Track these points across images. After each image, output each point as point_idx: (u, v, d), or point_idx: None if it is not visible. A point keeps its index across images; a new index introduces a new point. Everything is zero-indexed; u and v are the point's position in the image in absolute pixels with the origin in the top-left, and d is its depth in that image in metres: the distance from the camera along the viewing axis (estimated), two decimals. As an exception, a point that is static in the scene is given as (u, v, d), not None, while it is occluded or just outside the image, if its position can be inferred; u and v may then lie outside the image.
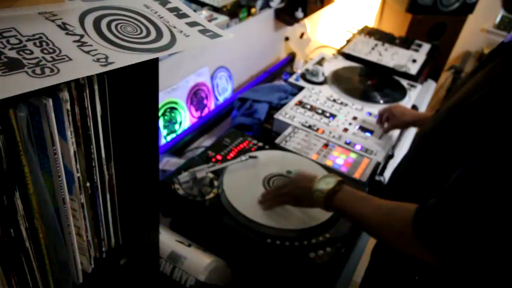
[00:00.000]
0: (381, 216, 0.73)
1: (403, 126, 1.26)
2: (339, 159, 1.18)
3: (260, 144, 1.17)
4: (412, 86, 1.63)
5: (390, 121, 1.28)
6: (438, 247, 0.63)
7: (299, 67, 1.87)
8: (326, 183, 0.83)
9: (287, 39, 1.97)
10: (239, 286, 0.94)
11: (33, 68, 0.37)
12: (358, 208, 0.77)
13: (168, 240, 0.90)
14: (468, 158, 0.65)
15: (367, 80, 1.64)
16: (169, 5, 0.53)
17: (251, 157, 1.08)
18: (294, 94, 1.49)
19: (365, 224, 0.76)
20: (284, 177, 1.04)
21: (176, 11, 0.53)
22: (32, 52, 0.39)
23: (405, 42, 1.97)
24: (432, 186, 0.77)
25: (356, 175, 1.13)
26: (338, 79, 1.59)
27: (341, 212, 0.82)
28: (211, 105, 1.56)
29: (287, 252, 0.87)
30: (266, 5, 1.66)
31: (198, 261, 0.86)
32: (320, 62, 1.72)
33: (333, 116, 1.38)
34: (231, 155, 1.12)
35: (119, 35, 0.45)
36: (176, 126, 1.41)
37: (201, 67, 1.47)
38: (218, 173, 1.03)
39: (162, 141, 1.35)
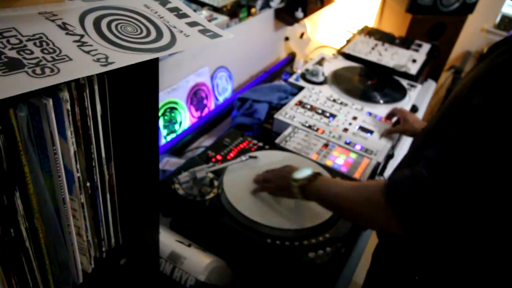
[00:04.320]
0: (353, 190, 0.75)
1: (411, 133, 1.27)
2: (339, 159, 1.18)
3: (260, 144, 1.18)
4: (412, 86, 1.63)
5: (402, 124, 1.28)
6: (404, 213, 0.64)
7: (299, 67, 1.87)
8: (302, 173, 0.86)
9: (287, 39, 1.97)
10: (239, 286, 0.94)
11: (33, 68, 0.37)
12: (332, 190, 0.80)
13: (168, 240, 0.90)
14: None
15: (367, 80, 1.64)
16: (169, 5, 0.53)
17: (251, 157, 1.08)
18: (294, 94, 1.49)
19: (340, 203, 0.78)
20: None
21: (176, 11, 0.53)
22: (32, 52, 0.39)
23: (405, 42, 1.97)
24: None
25: (356, 175, 1.13)
26: (338, 79, 1.59)
27: (317, 199, 0.84)
28: (211, 105, 1.56)
29: (287, 252, 0.87)
30: (266, 5, 1.66)
31: (198, 261, 0.86)
32: (320, 62, 1.72)
33: (333, 116, 1.38)
34: (231, 155, 1.12)
35: (119, 35, 0.45)
36: (176, 126, 1.41)
37: (201, 67, 1.47)
38: (218, 173, 1.03)
39: (162, 141, 1.35)
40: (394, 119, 1.34)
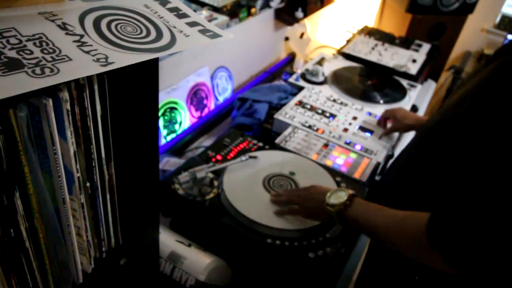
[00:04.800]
0: (395, 226, 0.72)
1: (404, 129, 1.26)
2: (339, 159, 1.18)
3: (260, 144, 1.17)
4: (412, 86, 1.63)
5: (392, 123, 1.28)
6: (453, 255, 0.62)
7: (299, 67, 1.87)
8: (337, 197, 0.83)
9: (287, 39, 1.97)
10: (239, 286, 0.94)
11: (33, 68, 0.37)
12: (371, 220, 0.76)
13: (168, 240, 0.90)
14: (472, 158, 0.64)
15: (367, 80, 1.64)
16: (169, 5, 0.53)
17: (251, 157, 1.08)
18: (294, 94, 1.49)
19: (380, 235, 0.75)
20: (287, 178, 1.04)
21: (176, 11, 0.53)
22: (32, 52, 0.39)
23: (405, 42, 1.97)
24: (433, 182, 0.77)
25: (356, 175, 1.13)
26: (338, 79, 1.59)
27: (354, 225, 0.81)
28: (211, 105, 1.56)
29: (287, 252, 0.87)
30: (266, 5, 1.66)
31: (198, 261, 0.86)
32: (320, 62, 1.72)
33: (333, 116, 1.38)
34: (231, 155, 1.12)
35: (119, 35, 0.45)
36: (176, 126, 1.41)
37: (201, 67, 1.47)
38: (218, 173, 1.03)
39: (162, 141, 1.35)
40: (388, 124, 1.33)
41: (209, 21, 0.91)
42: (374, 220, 0.76)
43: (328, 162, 1.16)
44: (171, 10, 0.52)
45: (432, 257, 0.65)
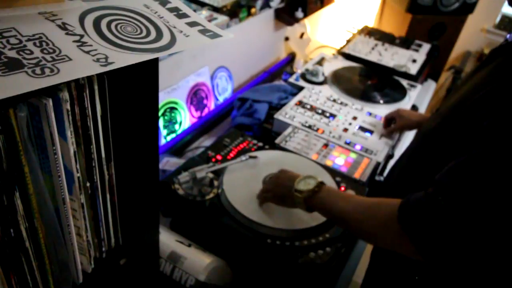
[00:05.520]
0: (364, 210, 0.73)
1: (410, 127, 1.27)
2: (339, 159, 1.18)
3: (260, 144, 1.17)
4: (412, 86, 1.63)
5: (398, 121, 1.28)
6: (420, 238, 0.63)
7: (299, 67, 1.87)
8: (306, 184, 0.83)
9: (287, 39, 1.97)
10: (239, 286, 0.94)
11: (33, 68, 0.37)
12: (339, 205, 0.77)
13: (168, 240, 0.90)
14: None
15: (367, 80, 1.64)
16: (169, 5, 0.53)
17: (251, 157, 1.08)
18: (294, 94, 1.49)
19: (348, 220, 0.75)
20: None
21: (176, 11, 0.53)
22: (32, 52, 0.39)
23: (405, 42, 1.97)
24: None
25: (356, 175, 1.13)
26: (338, 79, 1.59)
27: (322, 211, 0.81)
28: (211, 105, 1.56)
29: (287, 252, 0.87)
30: (266, 5, 1.66)
31: (198, 261, 0.86)
32: (320, 62, 1.72)
33: (333, 116, 1.38)
34: (231, 155, 1.12)
35: (119, 35, 0.45)
36: (176, 126, 1.41)
37: (201, 67, 1.47)
38: (218, 173, 1.03)
39: (162, 141, 1.35)
40: (393, 125, 1.33)
41: (209, 21, 0.91)
42: (342, 206, 0.76)
43: (328, 162, 1.16)
44: (171, 10, 0.52)
45: (401, 242, 0.65)
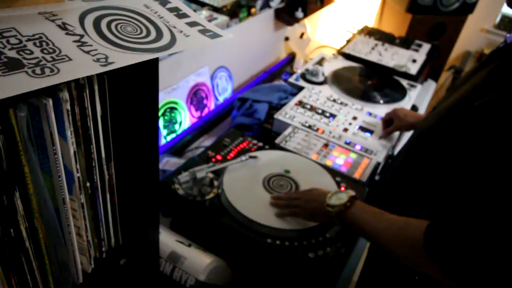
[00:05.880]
0: (394, 232, 0.72)
1: (406, 128, 1.27)
2: (339, 159, 1.18)
3: (260, 144, 1.17)
4: (412, 86, 1.63)
5: (394, 122, 1.28)
6: (448, 265, 0.62)
7: (299, 67, 1.87)
8: (338, 199, 0.83)
9: (287, 39, 1.97)
10: (239, 286, 0.94)
11: (33, 68, 0.37)
12: (370, 224, 0.77)
13: (168, 240, 0.90)
14: (465, 163, 0.64)
15: (367, 80, 1.64)
16: (169, 5, 0.53)
17: (251, 157, 1.08)
18: (294, 94, 1.49)
19: (378, 240, 0.75)
20: (287, 178, 1.04)
21: (176, 11, 0.53)
22: (32, 52, 0.39)
23: (405, 42, 1.97)
24: (428, 183, 0.77)
25: (356, 175, 1.13)
26: (338, 79, 1.59)
27: (353, 227, 0.81)
28: (211, 105, 1.56)
29: (287, 252, 0.87)
30: (266, 5, 1.66)
31: (198, 261, 0.86)
32: (320, 62, 1.72)
33: (333, 116, 1.38)
34: (231, 155, 1.12)
35: (119, 35, 0.45)
36: (176, 126, 1.41)
37: (201, 67, 1.47)
38: (218, 173, 1.03)
39: (162, 141, 1.35)
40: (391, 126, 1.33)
41: (209, 21, 0.91)
42: (373, 225, 0.76)
43: (328, 162, 1.16)
44: (171, 10, 0.52)
45: (429, 265, 0.65)
